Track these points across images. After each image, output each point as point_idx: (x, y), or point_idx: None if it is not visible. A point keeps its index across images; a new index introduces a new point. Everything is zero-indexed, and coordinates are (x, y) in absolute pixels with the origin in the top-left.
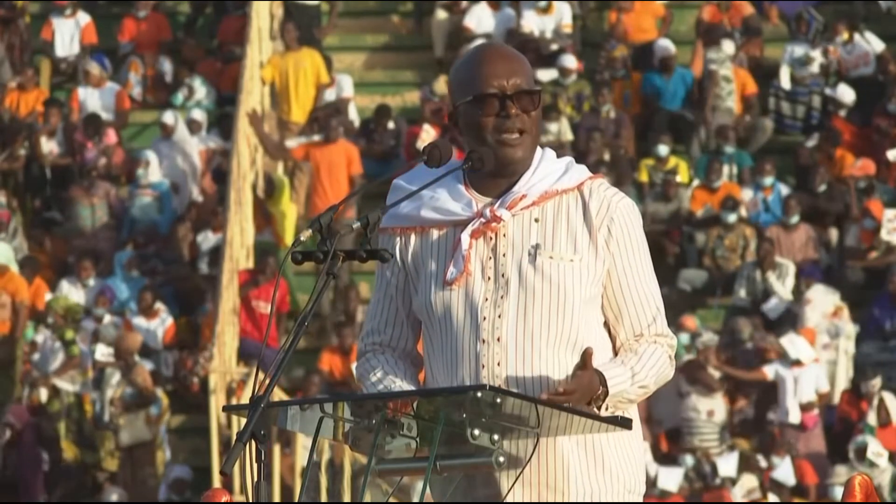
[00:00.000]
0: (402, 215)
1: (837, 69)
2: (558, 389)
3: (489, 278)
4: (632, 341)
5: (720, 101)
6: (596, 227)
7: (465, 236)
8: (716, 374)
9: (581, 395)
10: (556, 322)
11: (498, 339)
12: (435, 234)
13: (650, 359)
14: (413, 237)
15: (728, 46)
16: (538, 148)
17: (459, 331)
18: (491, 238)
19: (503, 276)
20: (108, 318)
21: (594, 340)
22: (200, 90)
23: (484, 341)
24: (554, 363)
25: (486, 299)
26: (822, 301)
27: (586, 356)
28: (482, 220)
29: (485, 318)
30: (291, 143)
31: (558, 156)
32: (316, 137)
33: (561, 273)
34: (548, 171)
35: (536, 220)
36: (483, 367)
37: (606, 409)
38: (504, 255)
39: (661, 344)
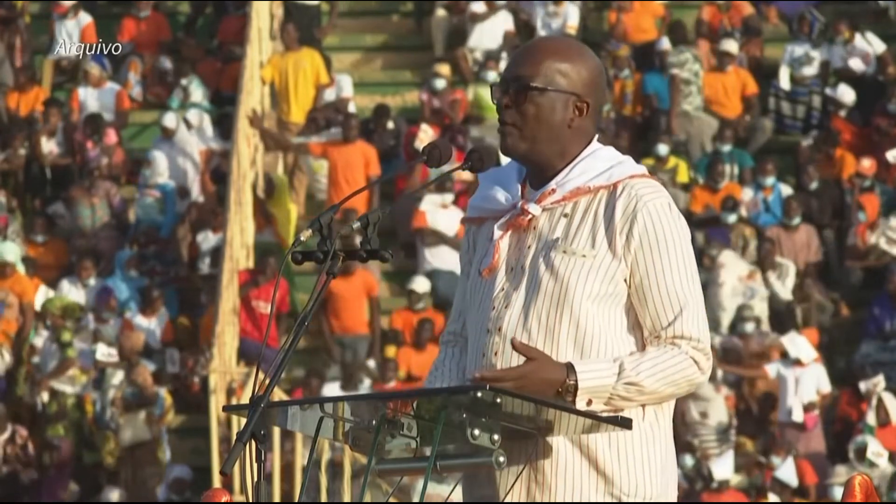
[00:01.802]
0: (472, 206)
1: (843, 68)
2: (474, 375)
3: (511, 269)
4: (650, 341)
5: (677, 106)
6: (618, 225)
7: (496, 228)
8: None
9: (522, 384)
10: (556, 316)
11: (499, 330)
12: (488, 225)
13: (656, 359)
14: (476, 228)
15: (690, 51)
16: (593, 144)
17: (476, 319)
18: (524, 231)
19: (522, 268)
20: (107, 319)
21: (608, 340)
22: (196, 92)
23: (488, 331)
24: (551, 357)
25: (502, 290)
26: (735, 265)
27: (513, 345)
28: (514, 212)
29: (493, 309)
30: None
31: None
32: (314, 138)
33: (569, 268)
34: (588, 167)
35: (566, 216)
36: (483, 356)
37: (589, 403)
38: (529, 247)
39: (679, 346)
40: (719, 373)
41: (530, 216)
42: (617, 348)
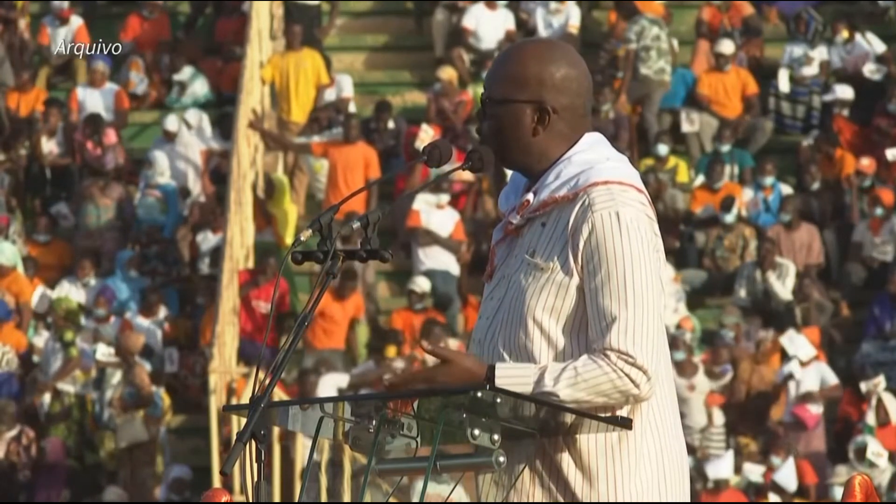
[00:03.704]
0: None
1: (842, 68)
2: (385, 379)
3: (502, 278)
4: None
5: (637, 71)
6: (569, 237)
7: (494, 234)
8: (706, 380)
9: (430, 389)
10: (511, 328)
11: (479, 341)
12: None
13: (579, 368)
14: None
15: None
16: (577, 146)
17: (475, 327)
18: (514, 239)
19: (505, 277)
20: (106, 318)
21: (563, 355)
22: (194, 83)
23: (474, 340)
24: (471, 358)
25: (492, 298)
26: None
27: (422, 348)
28: (505, 220)
29: (480, 317)
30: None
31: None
32: (315, 138)
33: (527, 280)
34: (561, 173)
35: (543, 225)
36: None
37: None
38: (516, 256)
39: (608, 357)
40: (699, 372)
41: (513, 225)
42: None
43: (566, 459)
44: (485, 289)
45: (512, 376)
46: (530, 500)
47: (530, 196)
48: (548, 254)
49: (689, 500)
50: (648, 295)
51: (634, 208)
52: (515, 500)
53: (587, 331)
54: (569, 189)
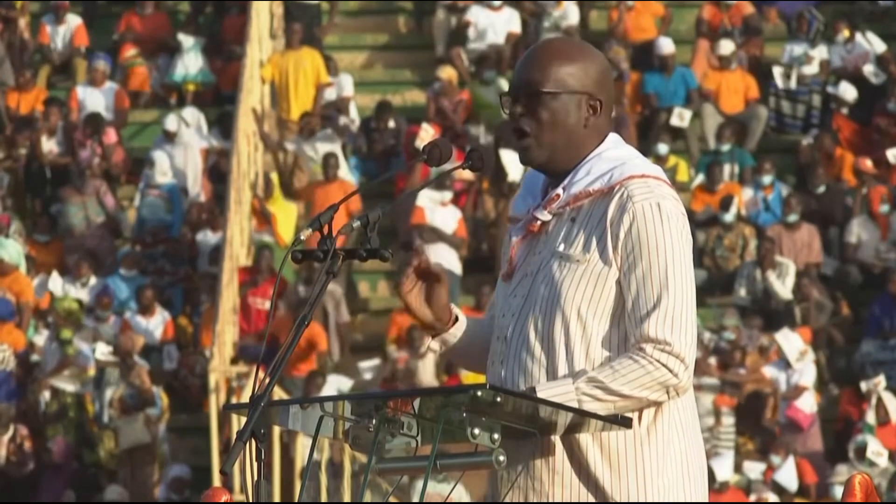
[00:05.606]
0: (513, 206)
1: (842, 67)
2: None
3: (525, 275)
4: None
5: None
6: (608, 229)
7: (513, 233)
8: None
9: None
10: (546, 321)
11: (505, 338)
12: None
13: (616, 365)
14: (514, 228)
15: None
16: (605, 143)
17: (496, 324)
18: (536, 236)
19: (531, 274)
20: (106, 318)
21: (598, 346)
22: (189, 54)
23: (498, 338)
24: (537, 365)
25: (514, 296)
26: None
27: None
28: (528, 218)
29: (503, 315)
30: (290, 146)
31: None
32: (322, 134)
33: (562, 274)
34: (592, 169)
35: (572, 220)
36: (492, 363)
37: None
38: (540, 253)
39: (644, 349)
40: (710, 371)
41: (540, 221)
42: (608, 355)
43: (594, 455)
44: (498, 287)
45: (550, 385)
46: (553, 499)
47: (559, 191)
48: (583, 246)
49: (708, 501)
50: (688, 286)
51: (671, 202)
52: (534, 501)
53: (624, 320)
54: (603, 183)
